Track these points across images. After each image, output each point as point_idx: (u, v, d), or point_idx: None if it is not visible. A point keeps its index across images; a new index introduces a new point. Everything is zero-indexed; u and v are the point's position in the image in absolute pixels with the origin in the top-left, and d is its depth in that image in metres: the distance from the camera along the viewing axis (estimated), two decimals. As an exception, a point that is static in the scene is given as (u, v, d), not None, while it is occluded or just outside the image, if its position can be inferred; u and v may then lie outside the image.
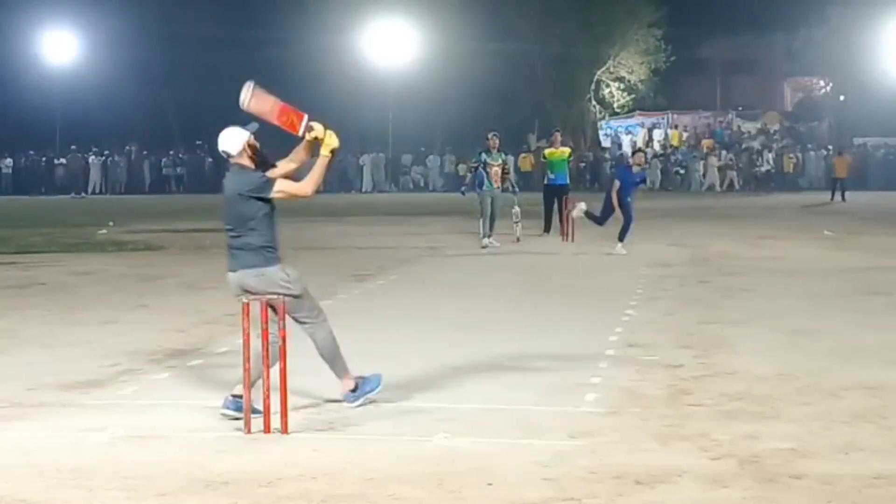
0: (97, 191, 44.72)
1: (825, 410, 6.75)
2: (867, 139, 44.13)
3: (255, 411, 6.43)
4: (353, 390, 6.98)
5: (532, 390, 7.38)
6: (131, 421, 6.68)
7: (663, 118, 47.85)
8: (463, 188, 19.70)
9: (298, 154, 6.99)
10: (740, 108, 50.03)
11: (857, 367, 8.04)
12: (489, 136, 18.38)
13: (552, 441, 6.09)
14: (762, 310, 11.01)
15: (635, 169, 17.64)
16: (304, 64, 43.91)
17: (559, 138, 20.81)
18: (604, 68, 47.58)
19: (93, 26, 44.81)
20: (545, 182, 20.49)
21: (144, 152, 46.66)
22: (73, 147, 44.56)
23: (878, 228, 22.14)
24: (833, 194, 34.10)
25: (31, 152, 45.36)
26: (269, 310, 6.64)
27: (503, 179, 18.29)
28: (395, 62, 44.53)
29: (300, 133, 6.84)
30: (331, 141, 6.81)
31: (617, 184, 17.04)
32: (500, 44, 43.12)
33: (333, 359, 7.00)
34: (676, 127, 47.86)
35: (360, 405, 6.91)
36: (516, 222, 18.93)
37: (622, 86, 48.00)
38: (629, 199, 16.86)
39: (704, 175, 43.32)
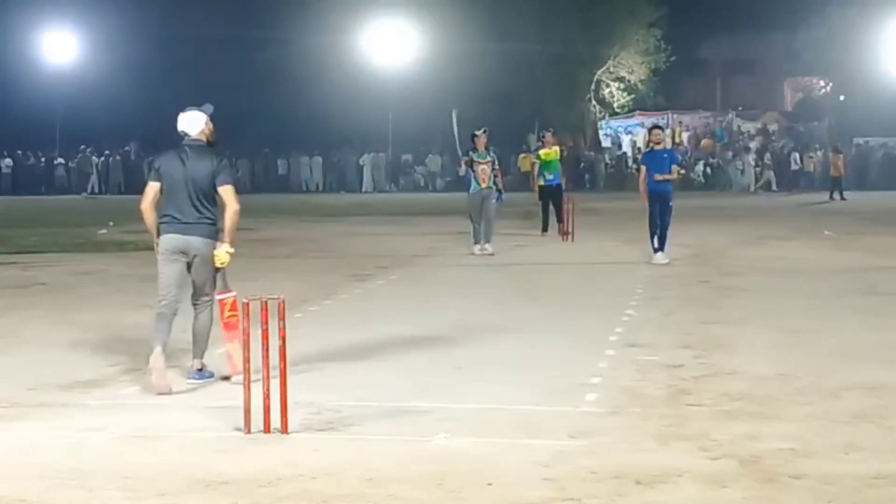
0: (96, 191, 44.73)
1: (825, 410, 6.75)
2: (868, 139, 44.12)
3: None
4: (201, 370, 7.81)
5: (532, 390, 7.38)
6: (131, 421, 6.68)
7: (663, 118, 47.82)
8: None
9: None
10: (740, 108, 50.03)
11: (857, 367, 8.04)
12: (477, 133, 17.18)
13: (552, 441, 6.09)
14: (762, 310, 11.01)
15: (658, 147, 15.83)
16: (304, 64, 43.91)
17: (551, 139, 20.86)
18: (604, 68, 47.57)
19: (93, 26, 44.81)
20: (542, 183, 20.46)
21: (143, 152, 46.63)
22: (83, 147, 44.52)
23: (878, 228, 22.14)
24: (832, 194, 34.24)
25: (20, 152, 45.22)
26: (186, 274, 7.65)
27: (494, 182, 16.93)
28: (395, 62, 44.52)
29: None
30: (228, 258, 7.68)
31: (643, 169, 15.55)
32: (500, 44, 43.10)
33: (204, 338, 7.83)
34: (681, 124, 47.82)
35: (193, 386, 7.65)
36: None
37: (622, 86, 47.99)
38: (667, 193, 15.13)
39: (743, 174, 42.98)
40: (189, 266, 7.63)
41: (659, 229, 15.41)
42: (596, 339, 9.33)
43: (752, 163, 42.70)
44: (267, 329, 6.38)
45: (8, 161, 45.02)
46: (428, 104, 44.66)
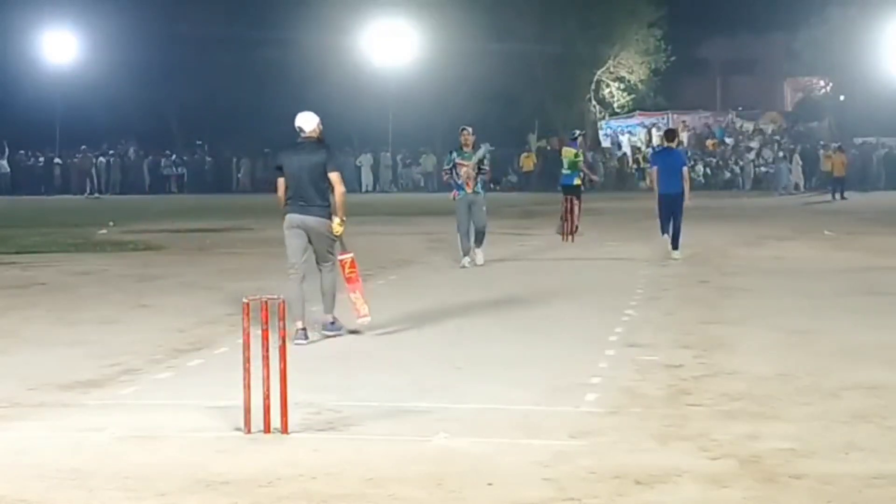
0: (97, 191, 44.67)
1: (825, 410, 6.75)
2: (868, 139, 44.12)
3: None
4: (333, 323, 9.54)
5: (532, 390, 7.38)
6: (131, 421, 6.68)
7: (663, 118, 47.87)
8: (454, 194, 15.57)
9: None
10: (740, 108, 50.05)
11: (857, 367, 8.04)
12: (461, 130, 15.23)
13: (552, 441, 6.09)
14: (762, 310, 11.01)
15: (671, 145, 16.83)
16: (304, 64, 43.92)
17: (583, 140, 21.09)
18: (604, 68, 47.60)
19: (93, 26, 44.81)
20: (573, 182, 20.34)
21: (142, 152, 46.66)
22: (83, 147, 44.51)
23: (878, 228, 22.14)
24: (834, 193, 34.38)
25: (22, 152, 45.20)
26: (307, 244, 9.40)
27: (478, 179, 15.07)
28: (395, 62, 44.52)
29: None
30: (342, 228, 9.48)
31: (654, 169, 16.36)
32: (500, 44, 43.12)
33: (331, 295, 9.53)
34: (684, 123, 47.85)
35: (328, 335, 9.43)
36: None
37: (622, 86, 48.03)
38: (674, 192, 15.74)
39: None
40: (309, 239, 9.38)
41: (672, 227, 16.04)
42: (596, 339, 9.33)
43: (800, 162, 42.42)
44: (267, 329, 6.37)
45: (4, 162, 44.93)
46: (428, 104, 44.64)
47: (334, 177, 9.35)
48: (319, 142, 9.49)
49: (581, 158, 20.46)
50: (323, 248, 9.46)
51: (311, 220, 9.35)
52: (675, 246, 15.98)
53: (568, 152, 20.26)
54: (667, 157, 16.48)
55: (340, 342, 9.38)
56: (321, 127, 9.52)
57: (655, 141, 46.92)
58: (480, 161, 15.07)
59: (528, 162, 44.15)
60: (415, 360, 8.49)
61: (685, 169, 16.07)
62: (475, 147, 15.09)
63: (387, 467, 5.66)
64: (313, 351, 8.76)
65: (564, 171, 20.08)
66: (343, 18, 43.70)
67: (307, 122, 9.53)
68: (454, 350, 8.92)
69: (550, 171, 43.27)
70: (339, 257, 9.56)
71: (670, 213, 15.91)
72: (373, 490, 5.29)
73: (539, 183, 41.91)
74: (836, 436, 6.15)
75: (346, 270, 9.59)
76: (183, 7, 45.30)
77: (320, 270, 9.54)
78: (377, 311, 11.17)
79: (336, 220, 9.36)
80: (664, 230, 16.11)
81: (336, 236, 9.44)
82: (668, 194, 15.85)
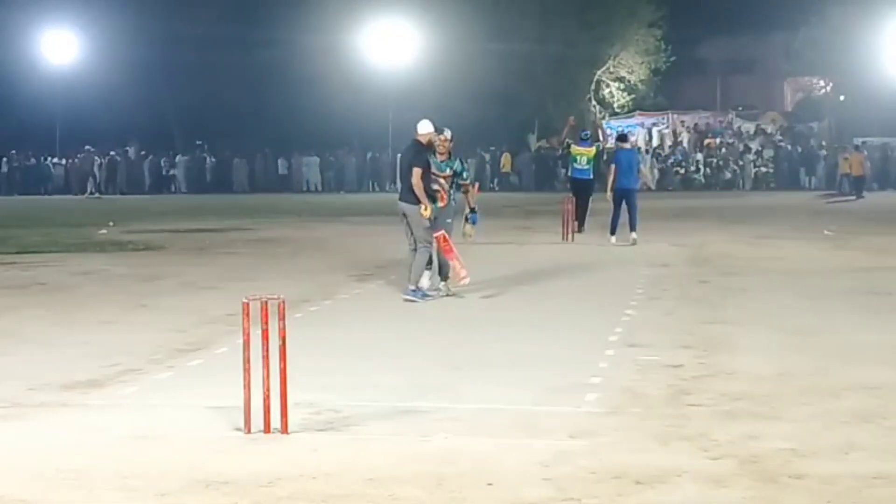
0: (97, 191, 44.63)
1: (825, 410, 6.75)
2: (868, 139, 44.09)
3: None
4: (415, 290, 11.69)
5: (532, 390, 7.38)
6: (131, 421, 6.68)
7: (663, 118, 47.84)
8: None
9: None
10: (740, 108, 50.01)
11: (857, 367, 8.04)
12: (442, 133, 12.29)
13: (552, 441, 6.09)
14: (762, 310, 11.01)
15: (626, 147, 19.70)
16: (303, 64, 43.89)
17: None
18: (604, 68, 47.58)
19: (93, 26, 44.74)
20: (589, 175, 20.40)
21: (143, 152, 46.62)
22: (86, 147, 44.46)
23: (878, 228, 22.13)
24: (859, 193, 34.95)
25: (28, 152, 45.18)
26: (407, 224, 11.89)
27: (451, 192, 12.37)
28: (395, 62, 44.49)
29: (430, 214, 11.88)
30: (427, 212, 11.75)
31: (613, 167, 18.68)
32: (500, 44, 43.09)
33: (418, 270, 11.73)
34: (684, 122, 47.79)
35: (410, 298, 11.64)
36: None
37: (622, 86, 48.00)
38: (634, 188, 18.47)
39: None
40: (408, 222, 11.78)
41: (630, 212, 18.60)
42: (596, 339, 9.34)
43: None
44: (267, 329, 6.38)
45: (4, 161, 44.87)
46: (428, 104, 44.55)
47: (413, 172, 11.57)
48: (417, 143, 11.77)
49: (600, 149, 21.33)
50: (416, 230, 11.71)
51: (406, 206, 11.78)
52: (633, 228, 18.33)
53: (586, 151, 20.10)
54: (625, 156, 19.08)
55: (340, 342, 9.39)
56: (427, 133, 11.87)
57: (656, 141, 46.98)
58: (457, 174, 12.36)
59: (506, 162, 44.18)
60: (415, 360, 8.49)
61: (641, 166, 19.80)
62: (451, 157, 12.32)
63: (387, 467, 5.66)
64: (313, 351, 8.76)
65: (580, 167, 20.03)
66: (343, 18, 43.65)
67: (422, 126, 11.96)
68: (454, 350, 8.93)
69: (547, 171, 43.36)
70: (434, 235, 11.76)
71: (623, 204, 18.43)
72: (373, 490, 5.29)
73: (536, 183, 41.95)
74: (836, 436, 6.16)
75: (442, 244, 11.81)
76: (183, 7, 45.22)
77: (415, 250, 11.72)
78: (375, 311, 11.22)
79: (421, 206, 11.60)
80: (614, 230, 18.52)
81: (427, 219, 11.62)
82: (624, 188, 18.43)
